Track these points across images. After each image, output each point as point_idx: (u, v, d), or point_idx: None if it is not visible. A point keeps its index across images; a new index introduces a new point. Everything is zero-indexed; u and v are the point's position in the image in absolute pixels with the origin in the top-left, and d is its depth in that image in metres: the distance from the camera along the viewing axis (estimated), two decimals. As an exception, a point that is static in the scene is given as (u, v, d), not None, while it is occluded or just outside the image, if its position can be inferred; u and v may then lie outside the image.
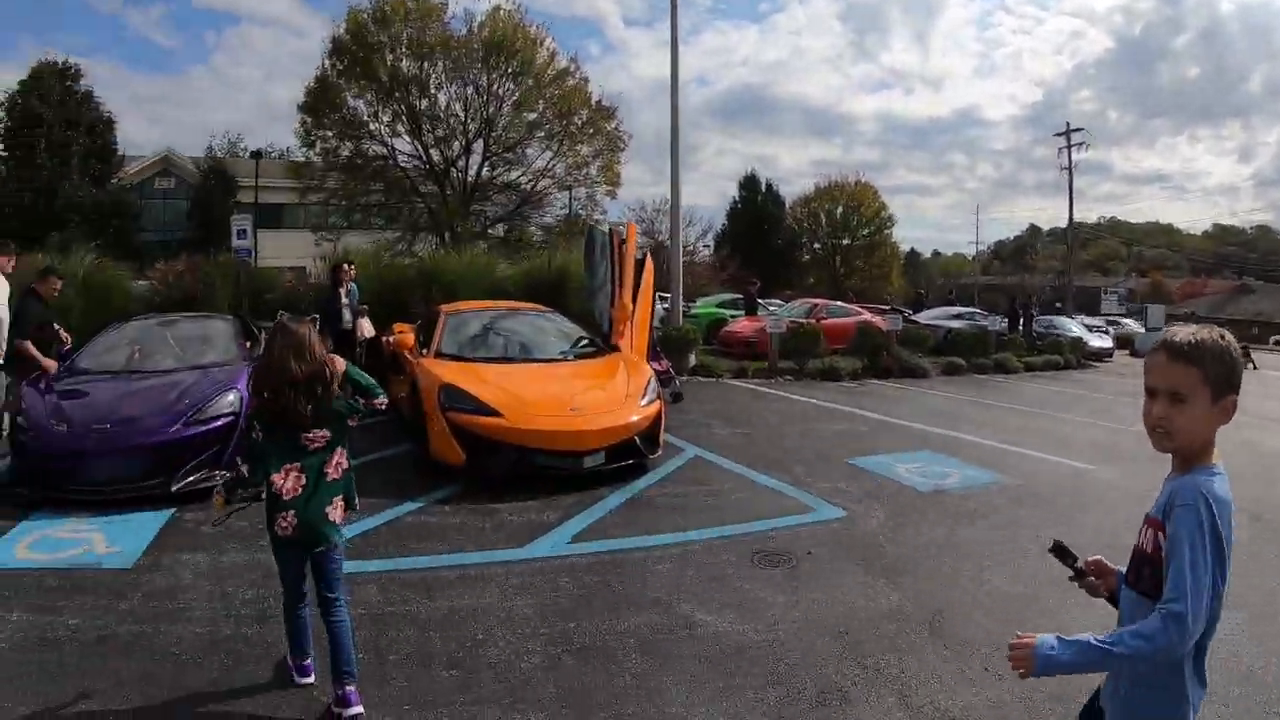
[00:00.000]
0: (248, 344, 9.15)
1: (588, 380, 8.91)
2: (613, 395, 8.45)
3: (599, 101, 32.60)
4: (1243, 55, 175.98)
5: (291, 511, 3.81)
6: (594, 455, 7.86)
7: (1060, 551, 2.43)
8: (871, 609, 5.33)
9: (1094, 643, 1.98)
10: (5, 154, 31.90)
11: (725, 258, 42.56)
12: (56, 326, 9.00)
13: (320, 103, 30.68)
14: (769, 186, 54.93)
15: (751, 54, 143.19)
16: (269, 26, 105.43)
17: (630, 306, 10.65)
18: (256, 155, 37.94)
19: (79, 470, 6.91)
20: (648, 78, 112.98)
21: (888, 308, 29.99)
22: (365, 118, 31.12)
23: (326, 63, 30.85)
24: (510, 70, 30.68)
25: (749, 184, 54.76)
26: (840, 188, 56.91)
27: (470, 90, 30.95)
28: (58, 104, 31.79)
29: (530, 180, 32.93)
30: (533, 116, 31.61)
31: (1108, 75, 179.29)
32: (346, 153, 31.29)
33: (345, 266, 12.90)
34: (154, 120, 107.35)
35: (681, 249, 19.65)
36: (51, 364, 8.52)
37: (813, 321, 20.05)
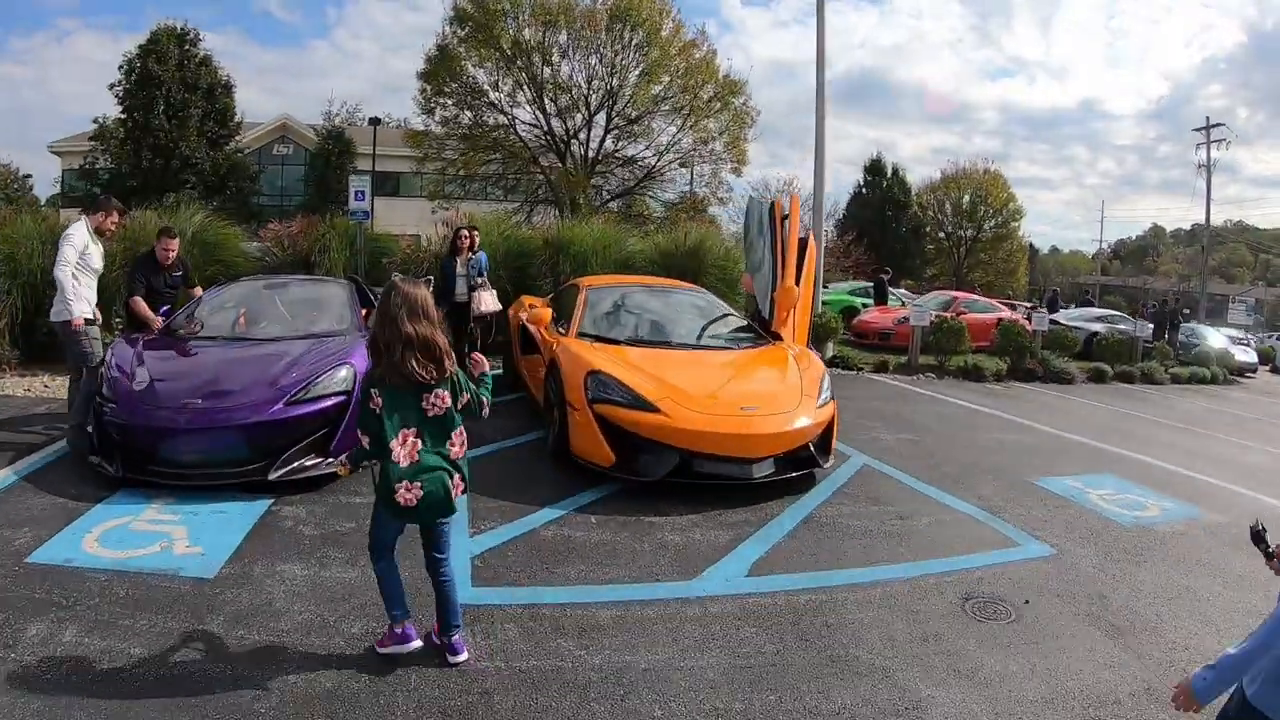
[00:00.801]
0: (363, 312, 8.09)
1: (755, 374, 7.71)
2: (786, 393, 7.19)
3: (726, 75, 31.18)
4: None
5: (415, 483, 3.67)
6: (763, 463, 6.67)
7: (1257, 537, 2.70)
8: (1117, 682, 4.36)
9: (1230, 652, 2.38)
10: (124, 116, 31.91)
11: (850, 243, 40.63)
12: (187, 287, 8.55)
13: (440, 70, 30.02)
14: (894, 171, 52.60)
15: (870, 36, 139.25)
16: (387, 2, 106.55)
17: (795, 291, 9.34)
18: (374, 122, 37.51)
19: (163, 449, 5.97)
20: (764, 58, 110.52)
21: (1030, 304, 29.23)
22: (485, 86, 30.36)
23: (447, 29, 30.24)
24: (635, 40, 29.55)
25: (874, 168, 52.50)
26: (968, 176, 54.30)
27: (594, 60, 29.92)
28: (175, 67, 31.84)
29: (654, 155, 31.79)
30: (658, 89, 30.36)
31: (1239, 71, 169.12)
32: (466, 121, 30.65)
33: (465, 232, 11.47)
34: (273, 92, 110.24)
35: (823, 233, 18.13)
36: (159, 321, 7.82)
37: (953, 316, 18.61)
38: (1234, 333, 32.92)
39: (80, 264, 7.15)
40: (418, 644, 3.96)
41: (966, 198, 54.15)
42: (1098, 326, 22.76)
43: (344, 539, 5.32)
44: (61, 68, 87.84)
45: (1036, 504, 7.40)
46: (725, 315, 9.13)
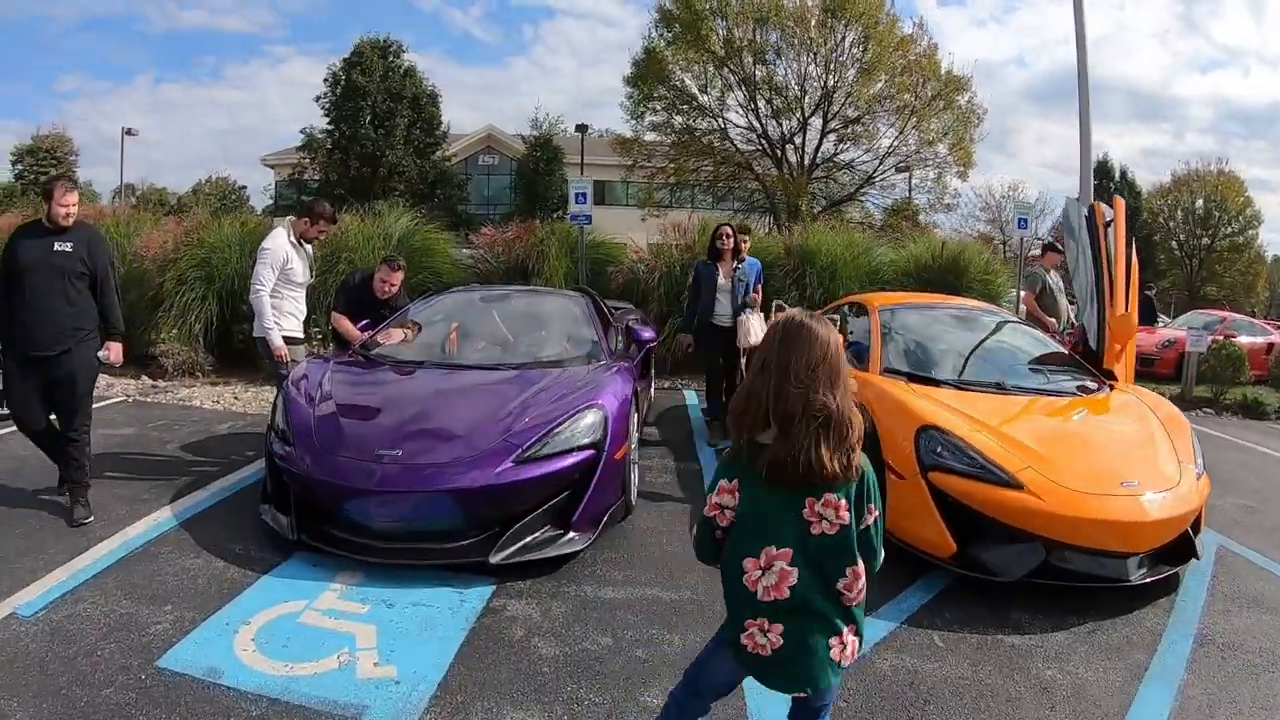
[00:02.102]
0: (606, 331, 6.65)
1: (1117, 433, 5.70)
2: (1162, 461, 5.25)
3: (949, 71, 29.02)
4: None
5: (774, 624, 2.33)
6: (1139, 558, 4.79)
7: None
8: None
9: None
10: (330, 127, 32.47)
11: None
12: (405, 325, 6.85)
13: (648, 74, 29.19)
14: (1123, 174, 48.38)
15: (1071, 30, 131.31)
16: (583, 19, 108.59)
17: (1134, 319, 7.46)
18: (582, 129, 37.02)
19: (349, 511, 4.56)
20: (962, 59, 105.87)
21: None
22: (694, 90, 29.26)
23: (653, 32, 29.39)
24: (850, 37, 27.90)
25: (1101, 171, 48.24)
26: (1200, 178, 49.51)
27: (807, 58, 28.27)
28: (380, 78, 32.23)
29: (875, 159, 30.06)
30: (878, 86, 28.51)
31: None
32: (677, 126, 29.72)
33: (728, 230, 8.27)
34: (474, 108, 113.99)
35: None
36: (361, 337, 6.64)
37: (1227, 340, 15.52)
38: None
39: (282, 279, 6.14)
40: None
41: (1200, 202, 49.45)
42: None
43: (600, 665, 3.76)
44: (278, 89, 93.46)
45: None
46: (1049, 349, 7.20)
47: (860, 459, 2.41)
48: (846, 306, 7.98)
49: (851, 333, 7.05)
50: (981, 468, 4.77)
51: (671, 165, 30.26)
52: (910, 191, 31.14)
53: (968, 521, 4.75)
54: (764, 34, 28.05)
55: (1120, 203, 8.49)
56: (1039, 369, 6.64)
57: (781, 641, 2.36)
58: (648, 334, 7.42)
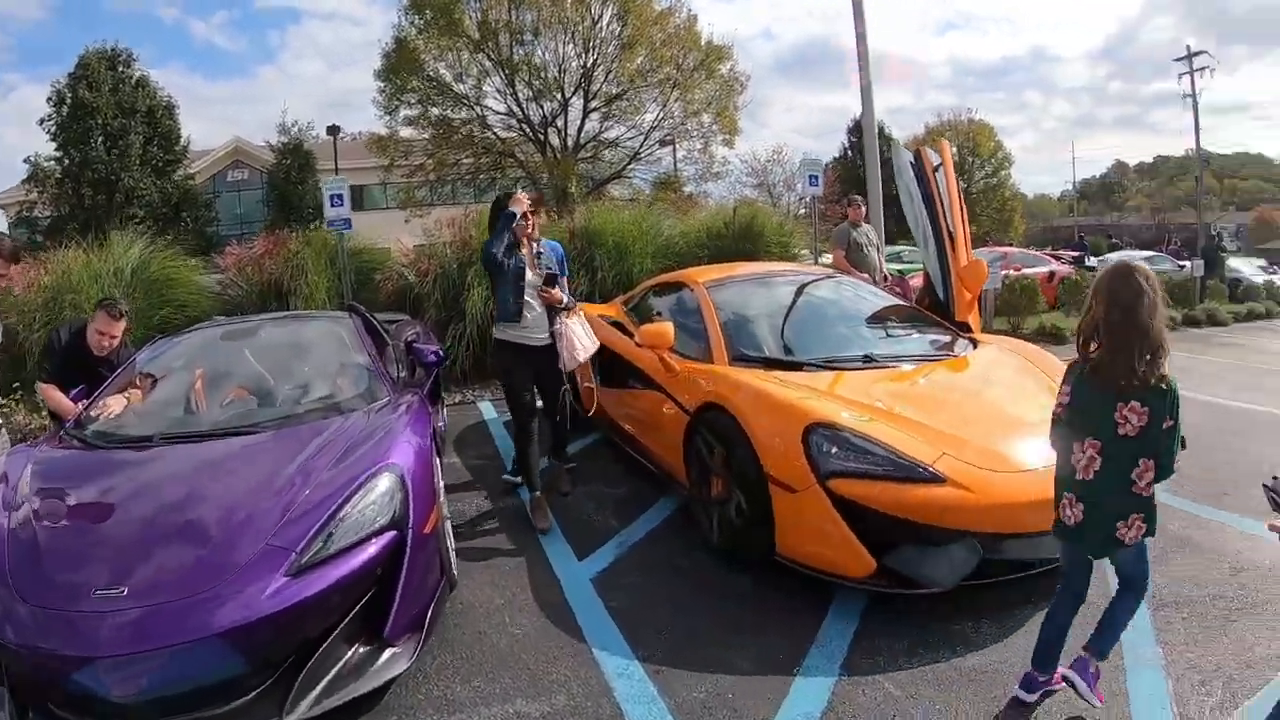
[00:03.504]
0: (383, 355, 5.32)
1: (1010, 394, 4.94)
2: None
3: (709, 41, 28.58)
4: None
5: (1080, 500, 3.03)
6: None
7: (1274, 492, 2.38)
8: None
9: None
10: (59, 153, 28.63)
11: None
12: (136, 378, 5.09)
13: (400, 66, 27.42)
14: (880, 130, 50.06)
15: (816, 4, 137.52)
16: (330, 20, 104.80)
17: (984, 265, 7.10)
18: (333, 130, 34.46)
19: (78, 685, 2.96)
20: (722, 30, 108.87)
21: (1076, 253, 27.76)
22: (450, 79, 27.73)
23: (404, 20, 27.69)
24: (607, 14, 27.18)
25: (857, 129, 50.00)
26: (953, 128, 51.56)
27: (565, 36, 27.31)
28: (110, 92, 28.67)
29: (639, 134, 29.28)
30: (638, 61, 27.73)
31: (1183, 2, 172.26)
32: (433, 118, 28.10)
33: (525, 200, 5.55)
34: (225, 121, 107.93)
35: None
36: (75, 409, 4.95)
37: (1018, 274, 16.52)
38: (1260, 262, 31.00)
39: None
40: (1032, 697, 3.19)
41: (955, 149, 51.77)
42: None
43: None
44: (6, 120, 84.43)
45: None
46: (898, 306, 6.47)
47: (1169, 376, 2.89)
48: (658, 288, 6.98)
49: (675, 319, 5.93)
50: (892, 464, 3.89)
51: (430, 161, 28.70)
52: (676, 164, 30.68)
53: (883, 530, 3.85)
54: (519, 15, 26.86)
55: (945, 144, 8.09)
56: (900, 331, 5.89)
57: (1083, 512, 3.01)
58: (434, 354, 5.77)
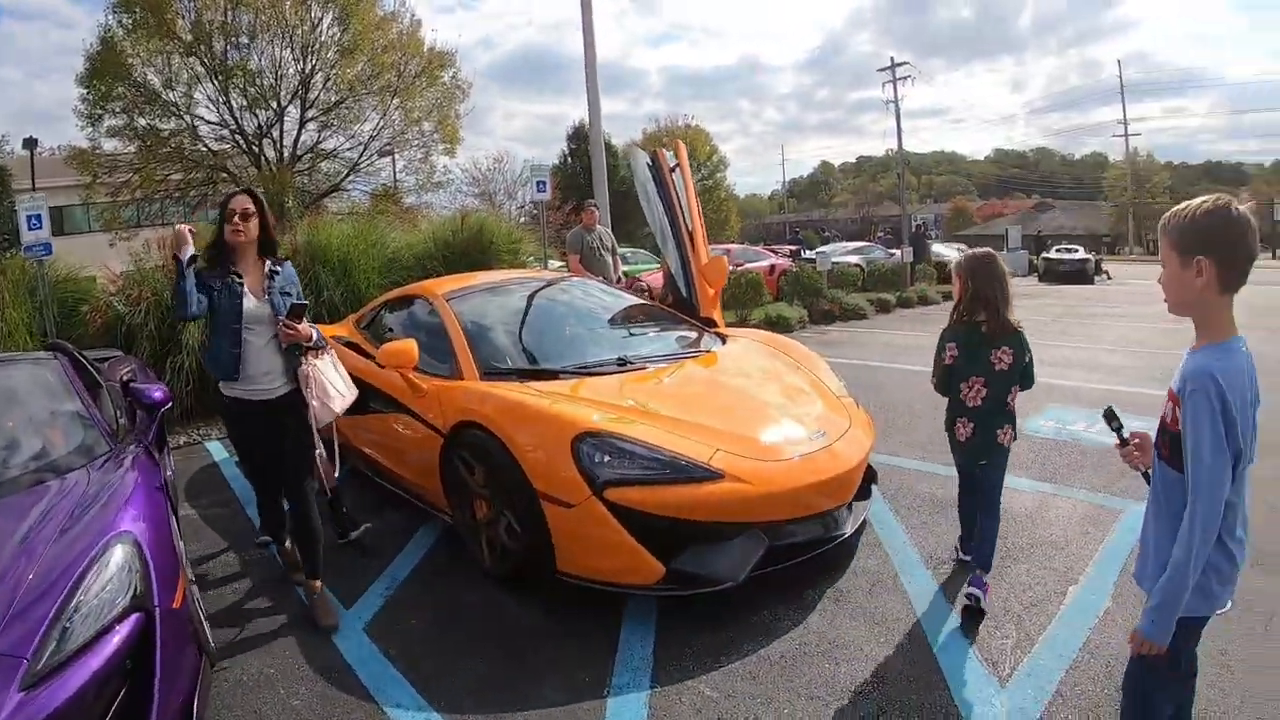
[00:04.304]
0: (98, 400, 4.56)
1: (771, 385, 5.14)
2: (827, 402, 4.97)
3: (432, 48, 28.17)
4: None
5: (970, 421, 3.98)
6: (846, 506, 4.49)
7: (1110, 416, 2.51)
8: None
9: (1161, 584, 2.08)
10: None
11: (570, 211, 38.53)
12: None
13: (104, 70, 25.09)
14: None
15: (536, 15, 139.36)
16: (32, 21, 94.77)
17: (725, 260, 7.40)
18: (30, 143, 31.20)
19: None
20: (445, 37, 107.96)
21: (793, 248, 30.50)
22: (158, 86, 25.65)
23: (111, 19, 25.25)
24: (327, 19, 26.28)
25: (577, 136, 50.82)
26: (670, 133, 53.66)
27: (282, 41, 25.99)
28: None
29: (359, 144, 28.37)
30: (359, 68, 26.93)
31: (883, 19, 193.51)
32: (141, 128, 25.88)
33: (247, 208, 4.34)
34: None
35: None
36: None
37: (742, 269, 17.78)
38: (960, 246, 34.20)
39: None
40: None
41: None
42: (855, 258, 23.62)
43: None
44: None
45: (1068, 460, 6.21)
46: (642, 306, 6.59)
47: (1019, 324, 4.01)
48: (394, 303, 6.63)
49: (416, 335, 5.57)
50: (669, 466, 3.88)
51: (137, 176, 26.42)
52: (396, 175, 30.04)
53: (667, 533, 3.83)
54: (236, 16, 25.30)
55: (681, 145, 8.25)
56: (648, 331, 5.94)
57: (973, 430, 3.98)
58: (158, 393, 4.60)
